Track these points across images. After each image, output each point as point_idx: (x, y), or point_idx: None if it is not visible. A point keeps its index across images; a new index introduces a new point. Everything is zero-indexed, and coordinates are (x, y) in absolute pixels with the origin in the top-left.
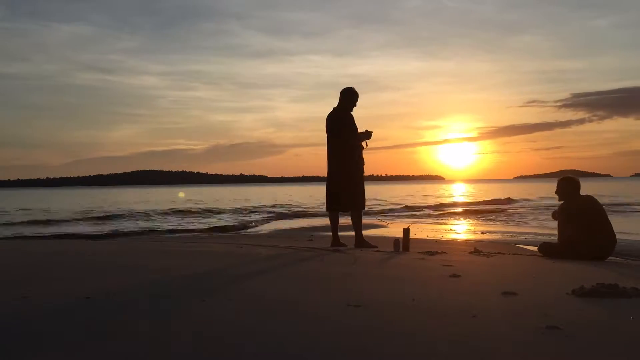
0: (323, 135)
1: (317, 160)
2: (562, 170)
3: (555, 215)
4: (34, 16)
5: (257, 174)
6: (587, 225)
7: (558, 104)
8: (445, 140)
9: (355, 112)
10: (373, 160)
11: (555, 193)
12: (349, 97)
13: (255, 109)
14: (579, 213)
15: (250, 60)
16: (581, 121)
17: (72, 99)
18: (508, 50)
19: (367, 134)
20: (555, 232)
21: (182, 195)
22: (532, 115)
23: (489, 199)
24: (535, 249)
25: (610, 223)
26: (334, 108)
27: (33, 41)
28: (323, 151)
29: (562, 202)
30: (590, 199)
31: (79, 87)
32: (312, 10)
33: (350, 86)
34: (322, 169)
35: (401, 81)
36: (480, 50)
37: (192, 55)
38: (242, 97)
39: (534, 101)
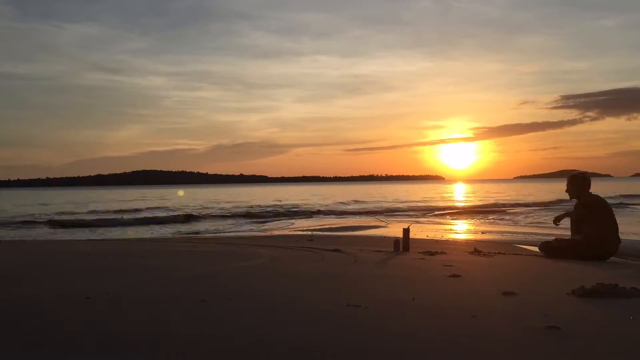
0: (326, 135)
1: (318, 160)
2: (562, 170)
3: (557, 220)
4: (44, 16)
5: (257, 174)
6: (606, 222)
7: (559, 104)
8: (446, 140)
9: (359, 112)
10: (373, 161)
11: (566, 191)
12: None
13: (260, 109)
14: (600, 210)
15: (258, 60)
16: (580, 121)
17: (78, 100)
18: (514, 50)
19: None
20: (553, 232)
21: (181, 194)
22: (532, 115)
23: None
24: (535, 249)
25: (616, 224)
26: None
27: (42, 42)
28: (324, 151)
29: (575, 200)
30: (600, 198)
31: (85, 87)
32: (322, 11)
33: None
34: (322, 169)
35: (406, 81)
36: (487, 51)
37: (200, 55)
38: (248, 98)
39: (535, 101)
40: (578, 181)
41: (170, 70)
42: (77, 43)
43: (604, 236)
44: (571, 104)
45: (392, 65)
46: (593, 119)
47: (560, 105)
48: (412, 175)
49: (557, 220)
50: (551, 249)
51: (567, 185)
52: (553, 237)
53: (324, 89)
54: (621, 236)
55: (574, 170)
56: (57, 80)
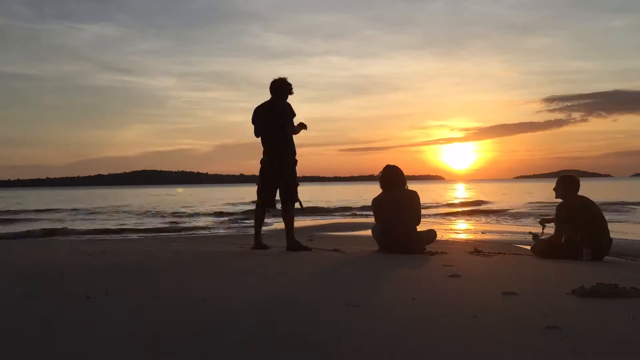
0: (330, 135)
1: (319, 160)
2: (562, 170)
3: (543, 222)
4: (59, 17)
5: (256, 174)
6: (587, 225)
7: (563, 104)
8: (447, 140)
9: (365, 113)
10: (374, 161)
11: (554, 190)
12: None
13: None
14: (582, 212)
15: (269, 61)
16: (582, 120)
17: (87, 100)
18: (522, 51)
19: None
20: (550, 233)
21: (180, 191)
22: (532, 115)
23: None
24: None
25: (606, 223)
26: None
27: (56, 42)
28: (326, 151)
29: (561, 200)
30: (588, 199)
31: (96, 87)
32: (333, 12)
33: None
34: (322, 169)
35: (413, 81)
36: (496, 51)
37: (212, 56)
38: (257, 98)
39: (535, 101)
40: (564, 182)
41: (181, 71)
42: (90, 43)
43: (582, 240)
44: (574, 104)
45: (401, 66)
46: (604, 117)
47: (561, 106)
48: (413, 175)
49: (543, 222)
50: (540, 250)
51: (556, 185)
52: (545, 238)
53: (332, 90)
54: (621, 236)
55: (575, 170)
56: (68, 81)
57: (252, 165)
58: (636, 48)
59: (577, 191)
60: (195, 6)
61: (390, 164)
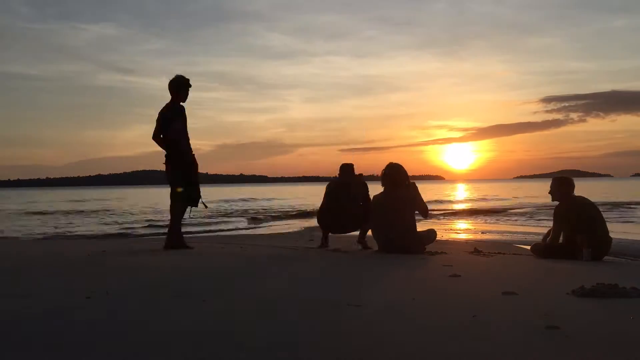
0: (331, 135)
1: (320, 160)
2: (562, 170)
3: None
4: (60, 17)
5: (257, 174)
6: (586, 225)
7: (563, 104)
8: (447, 140)
9: (366, 113)
10: (373, 161)
11: (549, 193)
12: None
13: (269, 109)
14: (578, 212)
15: (271, 61)
16: (580, 121)
17: (88, 100)
18: (521, 51)
19: None
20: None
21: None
22: (535, 115)
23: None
24: None
25: (605, 223)
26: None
27: (57, 42)
28: (327, 151)
29: (557, 202)
30: (586, 200)
31: (97, 88)
32: (336, 12)
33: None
34: (323, 169)
35: (413, 81)
36: (496, 51)
37: (215, 56)
38: (259, 98)
39: (535, 101)
40: (558, 183)
41: (182, 71)
42: (91, 43)
43: (580, 240)
44: (571, 104)
45: (402, 66)
46: (602, 117)
47: (559, 106)
48: (413, 175)
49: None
50: (540, 250)
51: (550, 187)
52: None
53: (333, 90)
54: (621, 236)
55: (575, 170)
56: (68, 81)
57: (253, 165)
58: (634, 49)
59: (572, 192)
60: (197, 6)
61: (394, 162)
